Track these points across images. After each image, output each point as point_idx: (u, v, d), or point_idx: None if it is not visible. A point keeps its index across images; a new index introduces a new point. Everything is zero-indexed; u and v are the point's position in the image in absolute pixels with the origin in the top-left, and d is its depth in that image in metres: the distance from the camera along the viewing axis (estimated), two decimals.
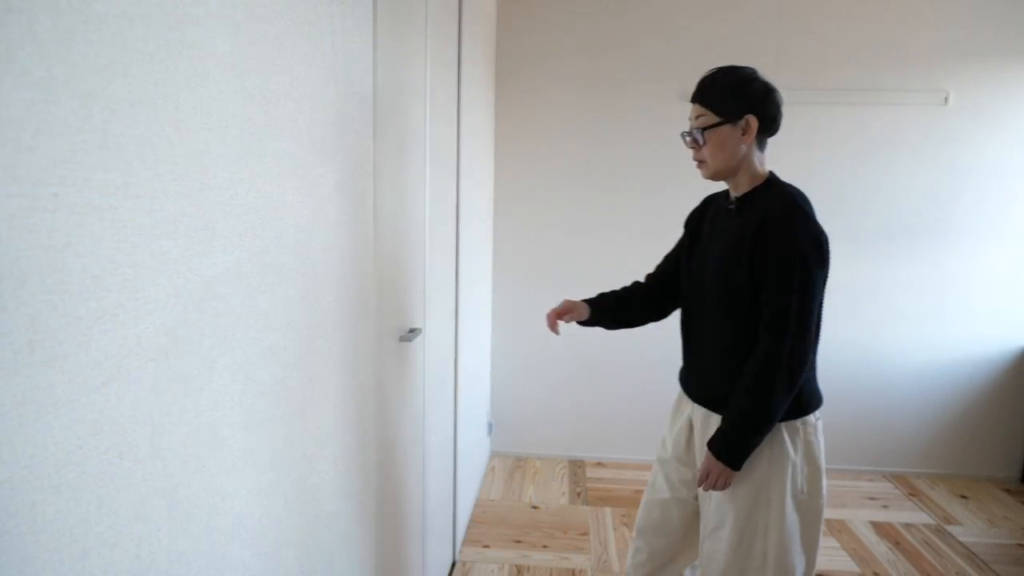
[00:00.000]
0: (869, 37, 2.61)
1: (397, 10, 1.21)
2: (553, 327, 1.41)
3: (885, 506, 2.53)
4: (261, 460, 0.75)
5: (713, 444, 1.19)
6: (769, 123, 1.21)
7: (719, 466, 1.18)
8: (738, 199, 1.24)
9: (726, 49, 2.62)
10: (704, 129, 1.21)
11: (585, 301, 1.44)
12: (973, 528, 2.37)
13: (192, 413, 0.61)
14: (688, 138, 1.25)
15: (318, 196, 0.89)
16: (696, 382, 1.33)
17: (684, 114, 2.71)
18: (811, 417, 1.22)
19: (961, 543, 2.25)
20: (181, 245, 0.58)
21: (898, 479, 2.77)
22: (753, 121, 1.18)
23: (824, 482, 1.23)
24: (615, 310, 1.45)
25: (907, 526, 2.37)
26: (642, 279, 1.50)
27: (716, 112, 1.20)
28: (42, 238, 0.42)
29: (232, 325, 0.68)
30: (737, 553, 1.21)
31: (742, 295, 1.18)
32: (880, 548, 2.21)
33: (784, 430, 1.19)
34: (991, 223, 2.68)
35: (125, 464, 0.52)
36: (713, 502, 1.26)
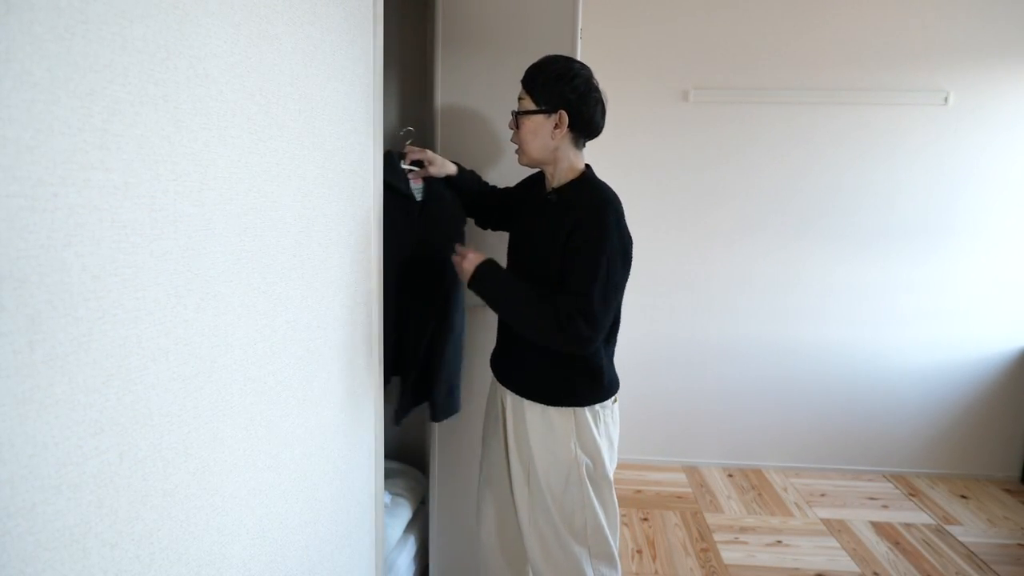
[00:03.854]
0: (869, 37, 2.61)
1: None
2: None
3: (885, 506, 2.53)
4: (261, 460, 0.75)
5: (486, 264, 1.23)
6: (583, 123, 1.22)
7: (471, 267, 1.23)
8: (555, 190, 1.27)
9: (726, 49, 2.62)
10: (520, 114, 1.24)
11: (456, 165, 1.44)
12: (973, 528, 2.37)
13: (192, 413, 0.61)
14: (511, 120, 1.28)
15: (318, 196, 0.89)
16: (505, 366, 1.35)
17: (684, 114, 2.73)
18: (609, 401, 1.29)
19: (961, 543, 2.25)
20: (181, 245, 0.58)
21: (898, 479, 2.77)
22: (565, 117, 1.20)
23: (615, 456, 1.33)
24: (475, 195, 1.46)
25: (907, 526, 2.37)
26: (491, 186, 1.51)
27: (534, 100, 1.22)
28: (42, 238, 0.42)
29: (232, 325, 0.68)
30: (560, 529, 1.28)
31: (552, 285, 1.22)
32: (880, 548, 2.21)
33: (587, 414, 1.25)
34: (991, 223, 2.68)
35: (125, 464, 0.52)
36: (528, 492, 1.30)
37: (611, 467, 1.30)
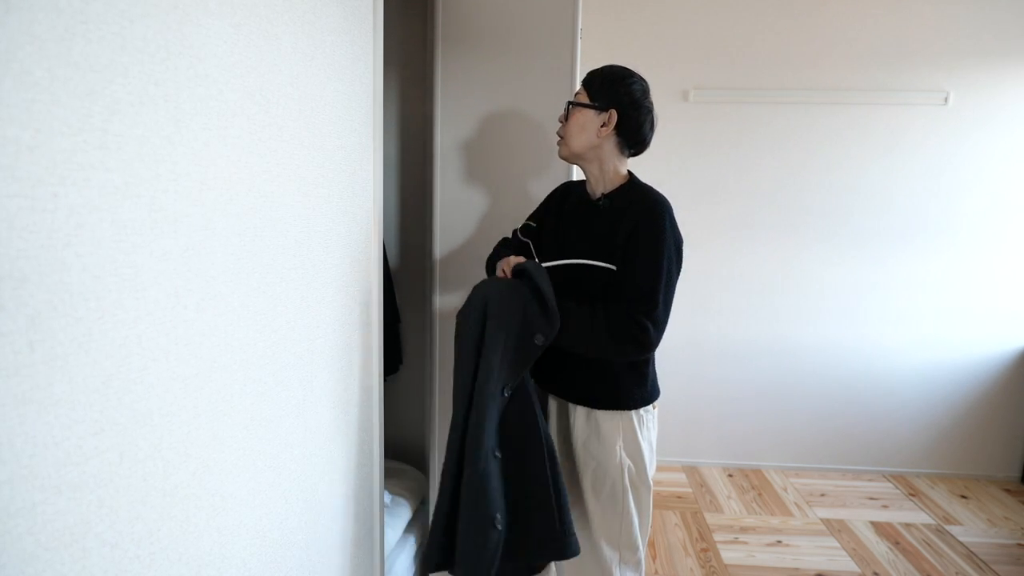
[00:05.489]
0: (869, 37, 2.61)
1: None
2: None
3: (885, 506, 2.53)
4: (261, 460, 0.75)
5: (577, 312, 1.15)
6: (630, 130, 1.23)
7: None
8: (605, 196, 1.26)
9: (726, 49, 2.62)
10: (573, 104, 1.25)
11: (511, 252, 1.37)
12: (973, 528, 2.37)
13: (192, 413, 0.61)
14: (562, 111, 1.30)
15: (318, 196, 0.89)
16: (549, 370, 1.31)
17: (684, 114, 2.73)
18: (651, 406, 1.29)
19: (961, 543, 2.25)
20: (181, 245, 0.58)
21: (898, 479, 2.77)
22: (615, 116, 1.22)
23: (655, 460, 1.33)
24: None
25: (907, 526, 2.37)
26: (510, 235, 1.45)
27: (590, 96, 1.24)
28: (42, 238, 0.42)
29: (232, 325, 0.68)
30: (594, 532, 1.27)
31: (606, 292, 1.20)
32: (880, 548, 2.21)
33: (633, 417, 1.25)
34: (991, 223, 2.68)
35: (125, 464, 0.52)
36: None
37: (651, 471, 1.30)
